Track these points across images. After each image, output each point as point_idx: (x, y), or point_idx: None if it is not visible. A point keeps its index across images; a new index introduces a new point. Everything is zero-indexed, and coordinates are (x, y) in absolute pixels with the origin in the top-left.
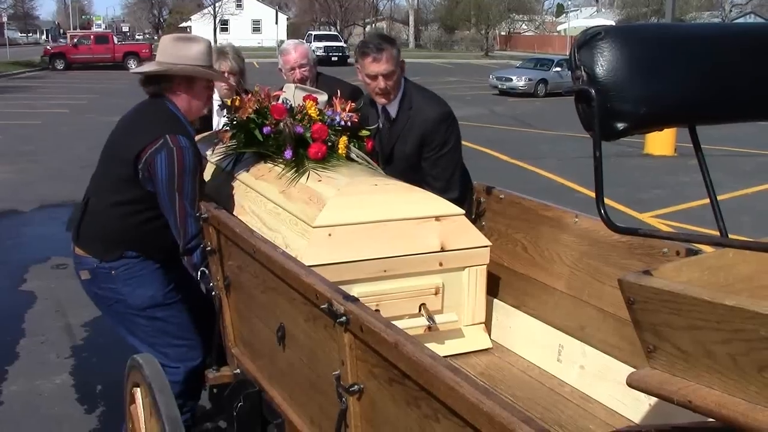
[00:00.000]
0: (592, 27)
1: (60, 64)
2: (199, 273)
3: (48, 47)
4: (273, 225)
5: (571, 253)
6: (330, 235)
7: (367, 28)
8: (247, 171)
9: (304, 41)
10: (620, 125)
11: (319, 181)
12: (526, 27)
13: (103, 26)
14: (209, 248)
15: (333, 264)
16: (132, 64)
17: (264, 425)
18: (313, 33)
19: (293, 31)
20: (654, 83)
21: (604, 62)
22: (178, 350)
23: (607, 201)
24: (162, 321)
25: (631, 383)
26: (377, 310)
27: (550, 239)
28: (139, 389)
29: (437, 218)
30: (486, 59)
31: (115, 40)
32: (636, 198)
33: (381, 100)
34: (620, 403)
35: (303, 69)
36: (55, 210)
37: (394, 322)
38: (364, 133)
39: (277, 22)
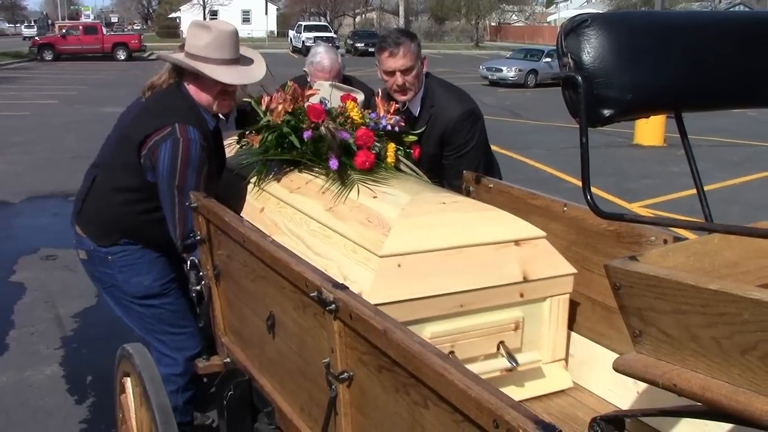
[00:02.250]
0: (579, 14)
1: (48, 55)
2: (188, 263)
3: (36, 38)
4: (321, 250)
5: (560, 242)
6: (399, 265)
7: (357, 19)
8: (278, 182)
9: (334, 48)
10: (606, 112)
11: (374, 197)
12: (516, 18)
13: (92, 17)
14: (198, 238)
15: (405, 301)
16: (121, 55)
17: (254, 414)
18: (303, 23)
19: (283, 22)
20: (640, 70)
21: (590, 49)
22: (175, 338)
23: (596, 191)
24: (158, 309)
25: (618, 368)
26: (452, 352)
27: (538, 228)
28: (129, 379)
29: (517, 242)
30: (476, 50)
31: (104, 30)
32: (625, 188)
33: (400, 98)
34: (609, 390)
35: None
36: (45, 201)
37: (469, 366)
38: (411, 138)
39: (266, 13)
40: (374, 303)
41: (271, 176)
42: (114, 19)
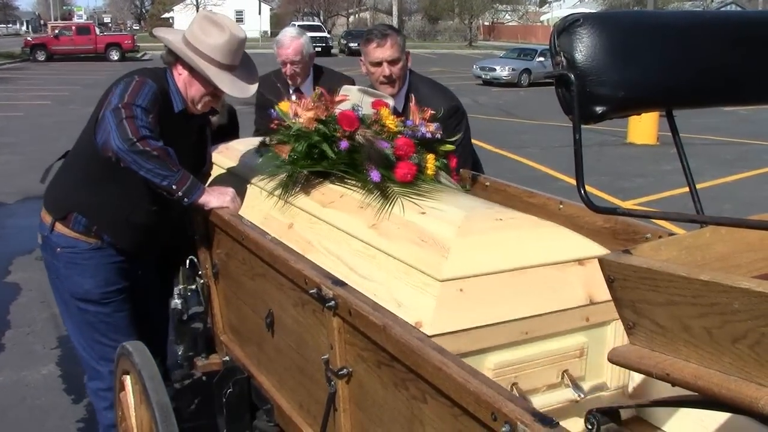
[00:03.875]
0: (572, 14)
1: (41, 56)
2: (187, 262)
3: (29, 38)
4: (366, 271)
5: None
6: (461, 290)
7: (351, 19)
8: (308, 195)
9: (303, 33)
10: (599, 109)
11: (422, 213)
12: (509, 17)
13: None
14: (196, 237)
15: (468, 330)
16: (114, 56)
17: (253, 411)
18: (297, 23)
19: (276, 22)
20: (631, 68)
21: (582, 48)
22: (102, 348)
23: (590, 189)
24: (92, 316)
25: (612, 359)
26: (515, 384)
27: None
28: (128, 377)
29: (580, 261)
30: (470, 49)
31: (97, 31)
32: (619, 186)
33: (386, 90)
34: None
35: (295, 66)
36: (38, 202)
37: (532, 398)
38: (449, 147)
39: (260, 13)
40: (435, 333)
41: (298, 189)
42: (107, 20)
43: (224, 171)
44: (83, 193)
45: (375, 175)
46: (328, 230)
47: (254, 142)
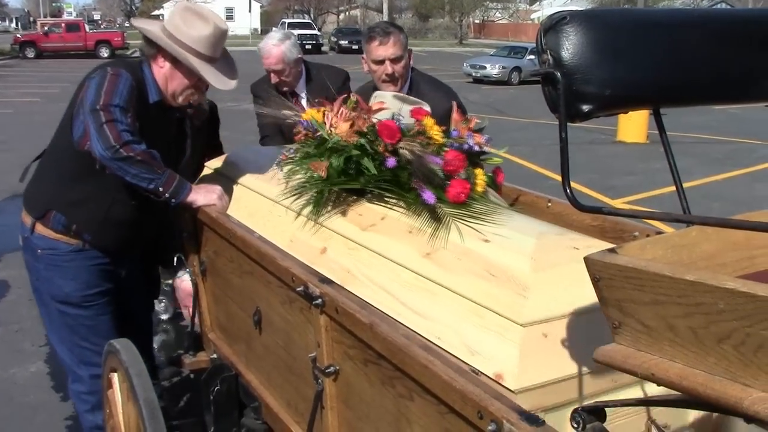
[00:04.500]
0: (559, 11)
1: (30, 53)
2: (175, 259)
3: (18, 35)
4: (425, 309)
5: None
6: (546, 335)
7: (341, 16)
8: (343, 216)
9: (286, 37)
10: (585, 107)
11: (486, 241)
12: (500, 15)
13: (74, 14)
14: (184, 234)
15: (556, 382)
16: (104, 53)
17: (241, 409)
18: (287, 21)
19: (266, 20)
20: (618, 66)
21: (569, 46)
22: (82, 351)
23: (579, 187)
24: (72, 319)
25: (598, 358)
26: None
27: None
28: (116, 374)
29: None
30: (460, 47)
31: (87, 28)
32: (608, 184)
33: (389, 88)
34: None
35: (279, 74)
36: None
37: None
38: (496, 161)
39: (250, 10)
40: (520, 388)
41: (329, 208)
42: (96, 17)
43: (238, 184)
44: (60, 190)
45: (428, 197)
46: (370, 257)
47: (269, 152)
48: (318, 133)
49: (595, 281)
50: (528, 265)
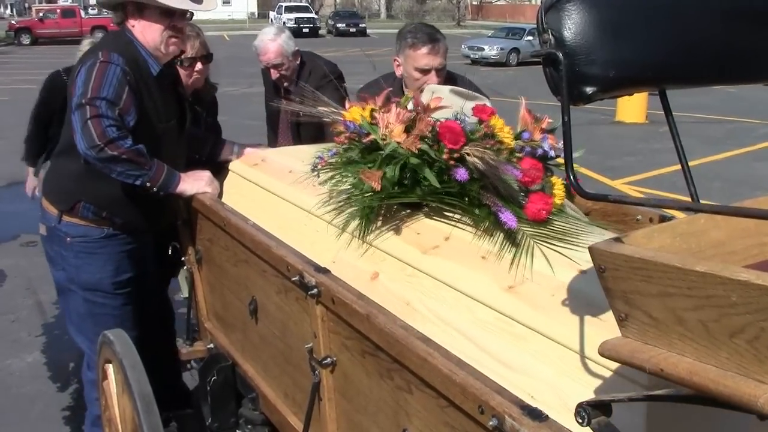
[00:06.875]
0: None
1: (26, 39)
2: (170, 248)
3: (13, 21)
4: (511, 359)
5: None
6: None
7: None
8: (396, 234)
9: (281, 31)
10: (589, 89)
11: (582, 272)
12: None
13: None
14: (179, 222)
15: None
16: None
17: (238, 399)
18: (284, 4)
19: (263, 3)
20: (623, 46)
21: (571, 25)
22: None
23: (579, 168)
24: (100, 306)
25: (603, 352)
26: None
27: None
28: (111, 365)
29: None
30: (458, 29)
31: (82, 14)
32: (608, 165)
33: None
34: None
35: (280, 69)
36: (24, 187)
37: None
38: (560, 160)
39: None
40: None
41: (379, 224)
42: (92, 2)
43: (265, 191)
44: (85, 183)
45: (509, 219)
46: (435, 288)
47: (299, 154)
48: (368, 138)
49: (600, 271)
50: None
